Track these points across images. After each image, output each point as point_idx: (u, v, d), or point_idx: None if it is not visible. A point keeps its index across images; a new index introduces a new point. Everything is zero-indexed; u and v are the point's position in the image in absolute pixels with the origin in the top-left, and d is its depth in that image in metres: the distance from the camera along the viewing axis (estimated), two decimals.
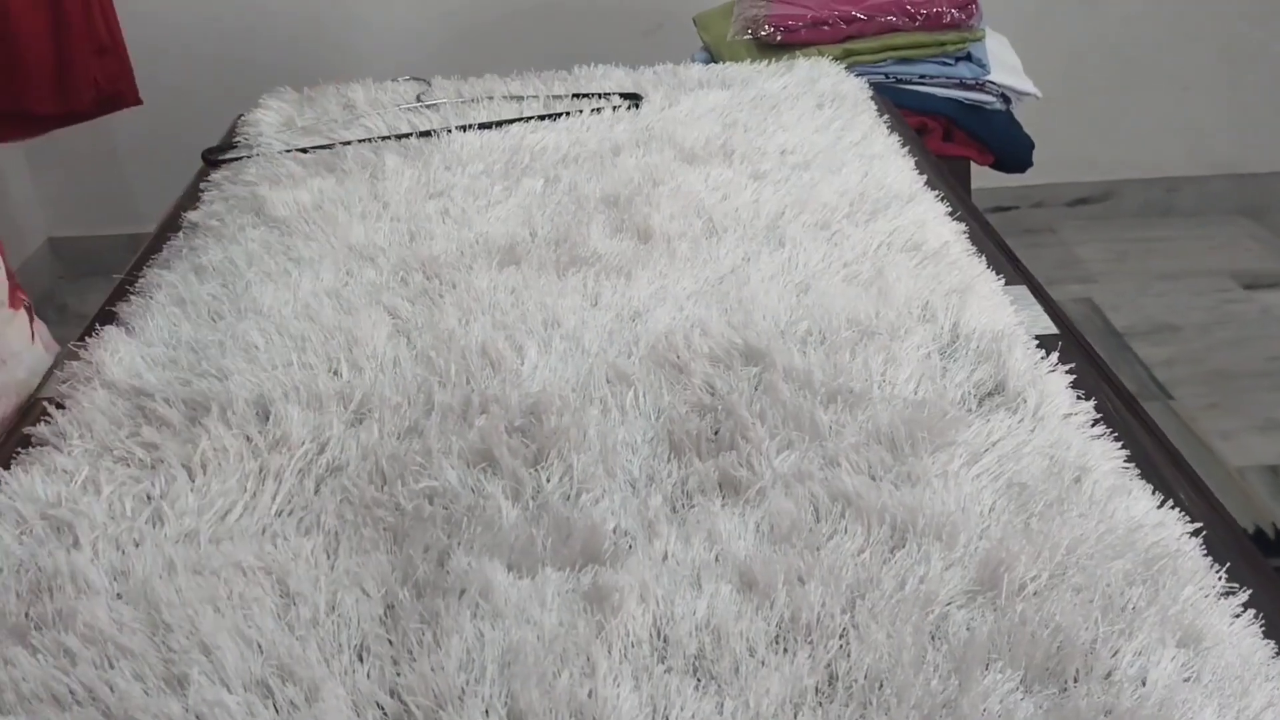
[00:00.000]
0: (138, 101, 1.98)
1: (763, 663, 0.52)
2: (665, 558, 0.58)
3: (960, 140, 1.64)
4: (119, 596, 0.57)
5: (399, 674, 0.51)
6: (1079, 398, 0.69)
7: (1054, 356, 0.72)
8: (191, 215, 1.01)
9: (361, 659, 0.52)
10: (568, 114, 1.17)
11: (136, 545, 0.60)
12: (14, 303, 0.83)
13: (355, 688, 0.51)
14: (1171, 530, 0.58)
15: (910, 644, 0.51)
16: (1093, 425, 0.67)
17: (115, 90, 1.90)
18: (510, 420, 0.69)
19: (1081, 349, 0.76)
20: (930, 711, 0.48)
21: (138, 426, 0.70)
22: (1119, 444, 0.65)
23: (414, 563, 0.58)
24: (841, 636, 0.52)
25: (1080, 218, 2.90)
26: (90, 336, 0.82)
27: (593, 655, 0.52)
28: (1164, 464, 0.66)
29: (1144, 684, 0.50)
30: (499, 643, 0.53)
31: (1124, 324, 2.49)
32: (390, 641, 0.53)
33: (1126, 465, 0.64)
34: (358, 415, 0.71)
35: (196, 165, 1.16)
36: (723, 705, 0.49)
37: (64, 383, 0.76)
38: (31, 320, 0.85)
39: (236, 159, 1.12)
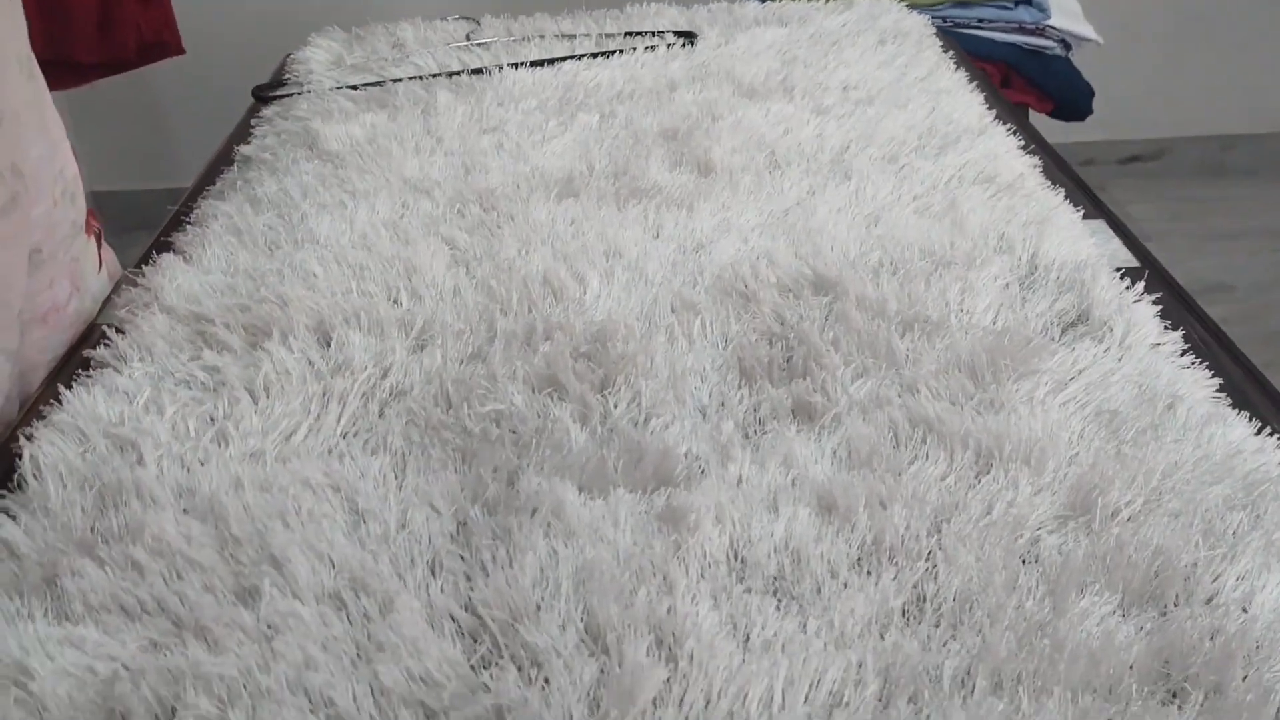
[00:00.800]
0: (180, 50, 1.96)
1: (845, 584, 0.50)
2: (740, 481, 0.56)
3: (1018, 87, 1.60)
4: (185, 512, 0.56)
5: (473, 588, 0.50)
6: (1166, 328, 0.67)
7: (1139, 286, 0.69)
8: (244, 149, 0.99)
9: (434, 574, 0.51)
10: (621, 52, 1.14)
11: (202, 463, 0.59)
12: (88, 229, 0.82)
13: (429, 601, 0.49)
14: (1271, 457, 0.55)
15: (1001, 566, 0.50)
16: (1181, 355, 0.64)
17: (158, 38, 1.89)
18: (575, 346, 0.67)
19: (1165, 281, 0.73)
20: (1025, 633, 0.46)
21: (198, 350, 0.69)
22: (1210, 373, 0.63)
23: (484, 482, 0.56)
24: (928, 559, 0.51)
25: (1132, 175, 2.84)
26: (147, 264, 0.81)
27: (670, 574, 0.50)
28: (1257, 394, 0.63)
29: (1248, 608, 0.48)
30: (573, 560, 0.51)
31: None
32: (463, 558, 0.52)
33: (1219, 394, 0.61)
34: (419, 342, 0.70)
35: (238, 104, 1.14)
36: (805, 624, 0.48)
37: (122, 309, 0.76)
38: (100, 248, 0.84)
39: (287, 95, 1.11)
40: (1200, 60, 2.67)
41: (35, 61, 0.75)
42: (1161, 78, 2.69)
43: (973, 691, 0.44)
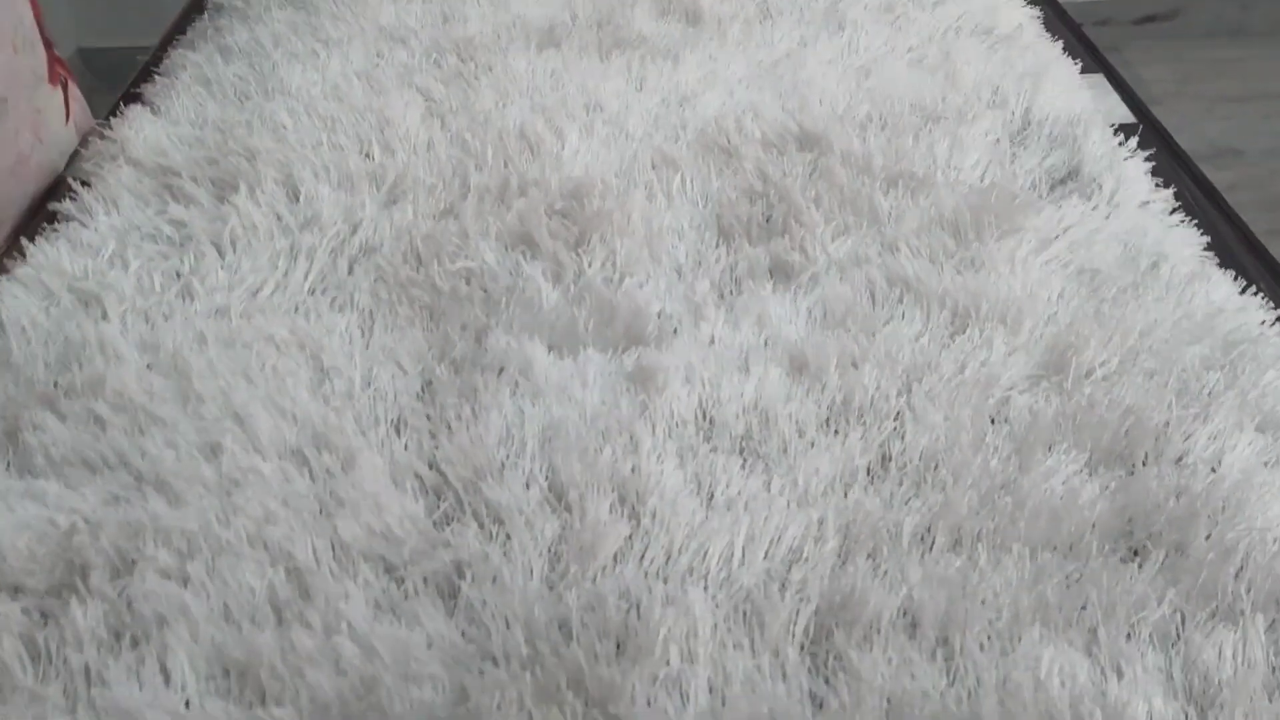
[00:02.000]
0: None
1: (812, 444, 0.50)
2: (712, 341, 0.56)
3: None
4: (149, 367, 0.55)
5: (437, 446, 0.50)
6: (1157, 185, 0.65)
7: (1132, 142, 0.67)
8: None
9: (399, 432, 0.51)
10: None
11: (166, 319, 0.58)
12: (53, 78, 0.79)
13: (393, 458, 0.49)
14: (1253, 316, 0.54)
15: (969, 426, 0.49)
16: (1171, 213, 0.63)
17: None
18: (550, 203, 0.65)
19: (1161, 138, 0.71)
20: (988, 491, 0.46)
21: (165, 204, 0.67)
22: (1199, 231, 0.61)
23: (451, 340, 0.56)
24: (896, 419, 0.50)
25: (1146, 36, 2.74)
26: (115, 116, 0.78)
27: (636, 433, 0.50)
28: (1245, 254, 0.61)
29: (1216, 468, 0.47)
30: (539, 419, 0.51)
31: (1187, 148, 2.39)
32: (428, 416, 0.52)
33: (1206, 253, 0.60)
34: (391, 197, 0.68)
35: None
36: (770, 483, 0.48)
37: (89, 161, 0.73)
38: (68, 99, 0.81)
39: None
40: None
41: None
42: None
43: (931, 548, 0.44)
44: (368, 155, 0.71)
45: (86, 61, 2.61)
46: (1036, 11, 0.85)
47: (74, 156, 0.79)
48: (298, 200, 0.67)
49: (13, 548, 0.45)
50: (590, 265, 0.61)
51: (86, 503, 0.47)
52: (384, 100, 0.76)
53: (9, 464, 0.50)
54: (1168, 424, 0.48)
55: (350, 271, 0.62)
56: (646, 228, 0.63)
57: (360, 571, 0.44)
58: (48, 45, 0.79)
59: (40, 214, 0.71)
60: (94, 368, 0.54)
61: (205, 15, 0.94)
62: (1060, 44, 0.80)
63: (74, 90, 0.83)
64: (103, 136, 0.76)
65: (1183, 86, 2.59)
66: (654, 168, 0.69)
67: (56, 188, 0.73)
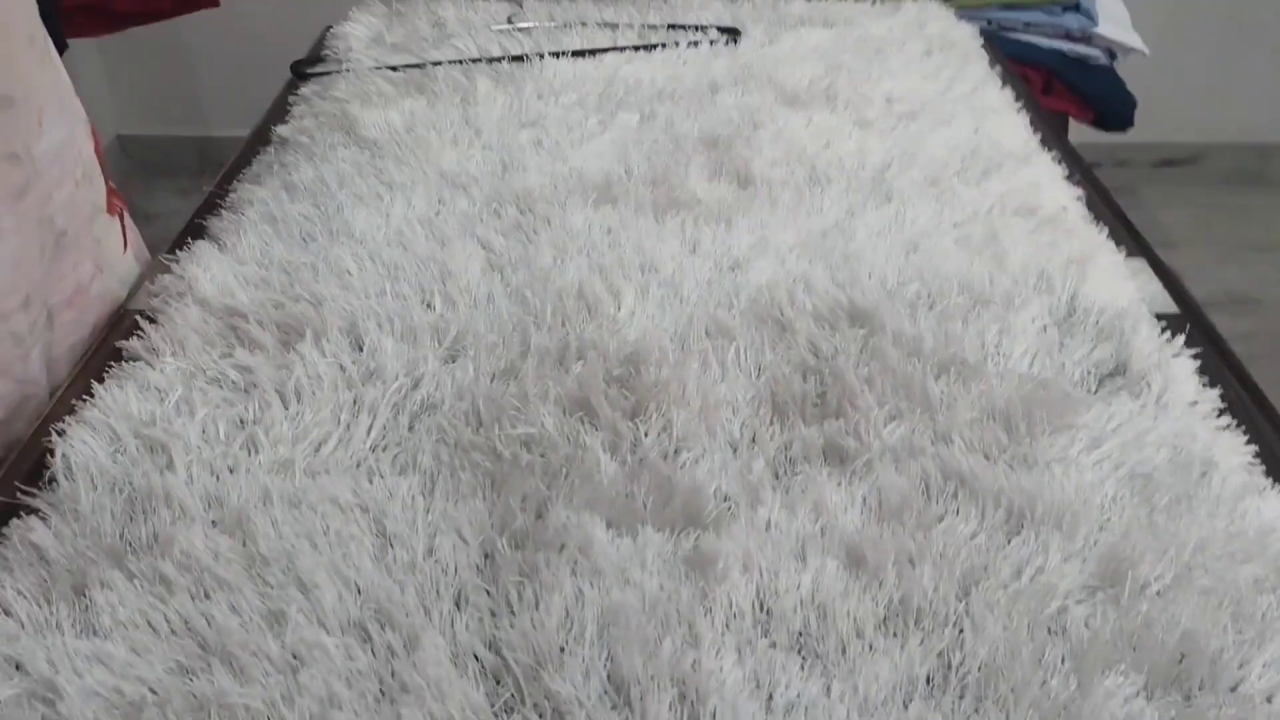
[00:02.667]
0: (215, 3, 1.95)
1: (871, 646, 0.50)
2: (769, 526, 0.56)
3: (1060, 93, 1.58)
4: (214, 524, 0.56)
5: (498, 627, 0.50)
6: (1204, 385, 0.66)
7: (1179, 340, 0.69)
8: (281, 130, 0.99)
9: (460, 608, 0.51)
10: (663, 45, 1.13)
11: (231, 471, 0.59)
12: (111, 209, 0.81)
13: (454, 638, 0.50)
14: None
15: (1028, 638, 0.50)
16: (1219, 416, 0.64)
17: None
18: (609, 369, 0.67)
19: (1205, 333, 0.72)
20: (1049, 712, 0.46)
21: (231, 348, 0.69)
22: (1246, 438, 0.62)
23: (512, 512, 0.56)
24: (955, 625, 0.51)
25: (1165, 180, 2.80)
26: (181, 250, 0.80)
27: (695, 624, 0.50)
28: None
29: (1272, 699, 0.47)
30: (599, 602, 0.51)
31: (1202, 294, 2.41)
32: (488, 593, 0.52)
33: (1254, 461, 0.61)
34: (451, 352, 0.69)
35: (268, 71, 1.13)
36: (830, 687, 0.48)
37: (155, 296, 0.75)
38: (124, 228, 0.84)
39: (325, 73, 1.10)
40: (1242, 65, 2.63)
41: (51, 43, 0.74)
42: (1201, 81, 2.65)
43: None
44: (429, 306, 0.73)
45: (125, 148, 2.67)
46: (1079, 191, 0.88)
47: (138, 288, 0.81)
48: (361, 350, 0.69)
49: (82, 717, 0.45)
50: (647, 435, 0.62)
51: (153, 671, 0.48)
52: (446, 251, 0.78)
53: (75, 621, 0.51)
54: (1223, 650, 0.49)
55: (411, 428, 0.63)
56: (702, 400, 0.65)
57: None
58: (106, 177, 0.82)
59: (105, 348, 0.72)
60: (160, 522, 0.55)
61: (271, 149, 0.97)
62: (1105, 229, 0.82)
63: (129, 220, 0.85)
64: (168, 270, 0.78)
65: (1201, 232, 2.64)
66: (708, 335, 0.71)
67: (122, 321, 0.75)
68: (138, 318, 0.72)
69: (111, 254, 0.81)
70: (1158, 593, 0.52)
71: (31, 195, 0.70)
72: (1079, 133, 1.99)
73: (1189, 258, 2.53)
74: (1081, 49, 1.56)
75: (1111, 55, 1.60)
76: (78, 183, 0.76)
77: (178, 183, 2.80)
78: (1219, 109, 2.70)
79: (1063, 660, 0.49)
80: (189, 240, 0.81)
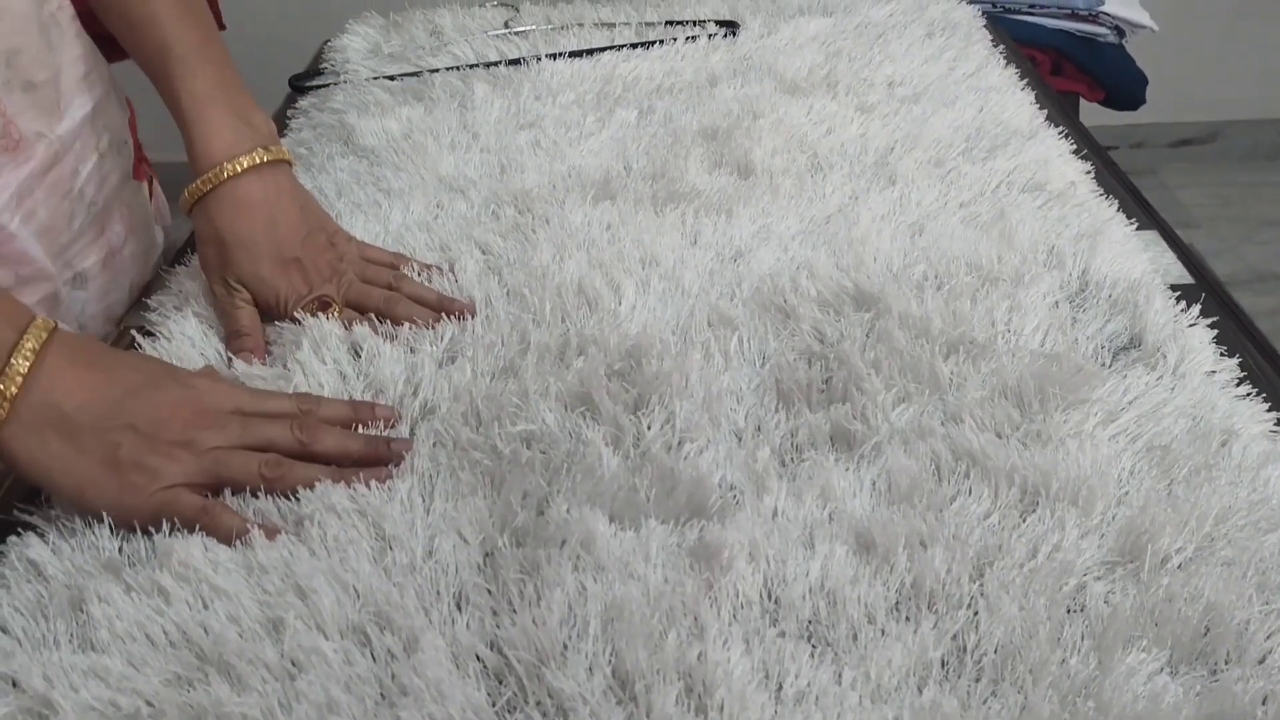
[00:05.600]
0: (221, 26, 1.96)
1: (883, 631, 0.48)
2: (775, 515, 0.55)
3: (1070, 74, 1.56)
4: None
5: (499, 626, 0.49)
6: (1222, 355, 0.64)
7: (1195, 309, 0.67)
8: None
9: (460, 608, 0.50)
10: (661, 42, 1.12)
11: None
12: (139, 174, 0.84)
13: (455, 639, 0.48)
14: None
15: (1045, 617, 0.48)
16: (1238, 385, 0.62)
17: None
18: (609, 363, 0.66)
19: (1221, 302, 0.70)
20: (1068, 693, 0.45)
21: (228, 362, 0.68)
22: (1267, 406, 0.60)
23: (513, 509, 0.55)
24: (969, 607, 0.49)
25: (1183, 159, 2.77)
26: (181, 265, 0.80)
27: (701, 615, 0.49)
28: None
29: None
30: (602, 597, 0.50)
31: (1225, 272, 2.38)
32: (489, 591, 0.51)
33: (1276, 429, 0.59)
34: (449, 354, 0.68)
35: (268, 88, 1.13)
36: (840, 675, 0.46)
37: (154, 311, 0.75)
38: (152, 195, 0.88)
39: (323, 85, 1.09)
40: (1256, 42, 2.59)
41: (76, 22, 0.76)
42: (1216, 59, 2.62)
43: None
44: None
45: None
46: (1088, 166, 0.86)
47: (136, 304, 0.81)
48: (359, 357, 0.68)
49: None
50: (650, 429, 0.61)
51: (150, 684, 0.47)
52: (444, 255, 0.78)
53: (73, 636, 0.50)
54: (1249, 621, 0.47)
55: (411, 434, 0.62)
56: (705, 390, 0.63)
57: None
58: (136, 144, 0.85)
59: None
60: (159, 535, 0.54)
61: None
62: (1115, 202, 0.80)
63: (157, 186, 0.88)
64: (166, 286, 0.77)
65: (1222, 210, 2.60)
66: (710, 326, 0.69)
67: (120, 339, 0.75)
68: (134, 334, 0.71)
69: (141, 218, 0.85)
70: (1179, 566, 0.50)
71: (58, 169, 0.73)
72: (1093, 115, 1.97)
73: (1211, 236, 2.49)
74: (1089, 28, 1.54)
75: (1120, 33, 1.57)
76: (103, 154, 0.79)
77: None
78: (1234, 85, 2.66)
79: (1082, 639, 0.47)
80: (189, 254, 0.80)
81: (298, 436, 0.59)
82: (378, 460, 0.59)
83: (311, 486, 0.57)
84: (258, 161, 0.71)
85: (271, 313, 0.71)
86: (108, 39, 0.88)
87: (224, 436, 0.57)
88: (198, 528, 0.54)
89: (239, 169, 0.70)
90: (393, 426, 0.62)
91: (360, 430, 0.61)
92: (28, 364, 0.53)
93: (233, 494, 0.57)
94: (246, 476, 0.57)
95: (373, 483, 0.58)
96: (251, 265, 0.70)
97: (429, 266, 0.76)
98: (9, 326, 0.54)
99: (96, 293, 0.79)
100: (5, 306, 0.55)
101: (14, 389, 0.53)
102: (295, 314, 0.70)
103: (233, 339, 0.69)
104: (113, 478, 0.54)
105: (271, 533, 0.54)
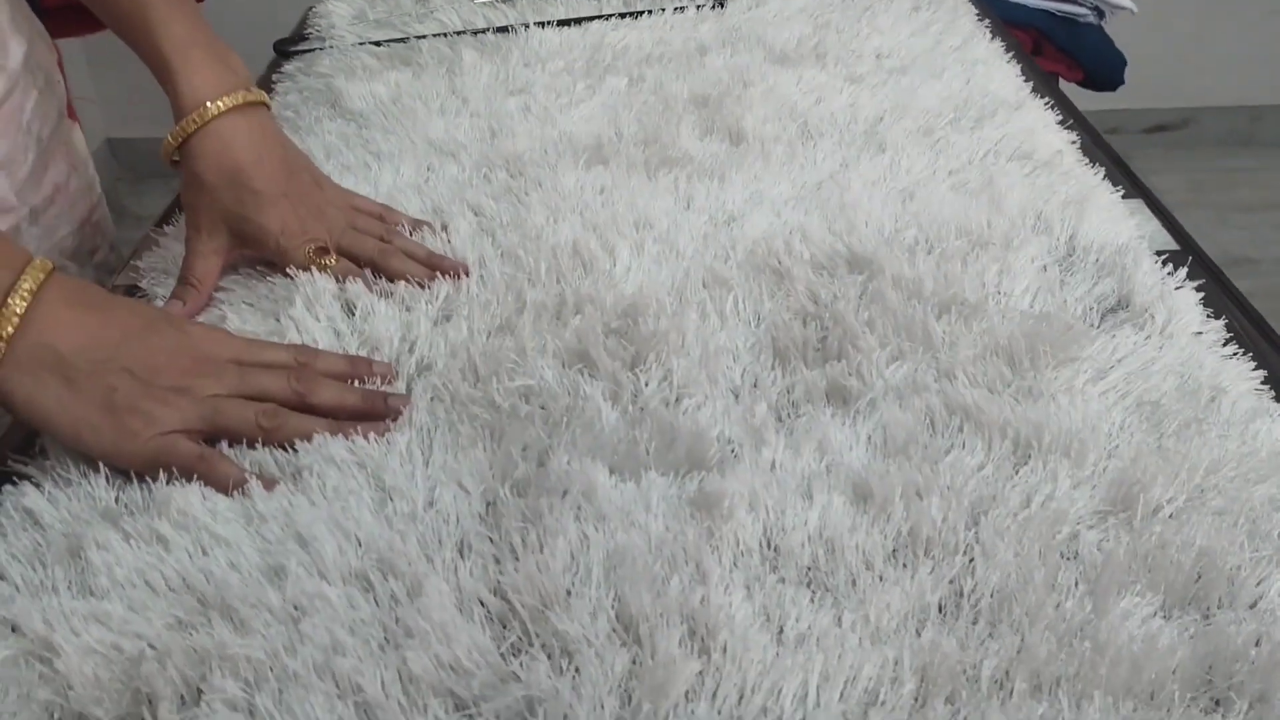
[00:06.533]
0: None
1: (881, 577, 0.49)
2: (774, 466, 0.55)
3: (1049, 54, 1.57)
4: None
5: (502, 572, 0.49)
6: (1208, 316, 0.65)
7: (1181, 272, 0.68)
8: None
9: (463, 555, 0.51)
10: (649, 12, 1.12)
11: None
12: (72, 114, 0.87)
13: (458, 584, 0.49)
14: None
15: (1040, 563, 0.49)
16: (1224, 345, 0.63)
17: None
18: (606, 322, 0.66)
19: (1206, 267, 0.72)
20: (1065, 634, 0.46)
21: (222, 316, 0.68)
22: (1254, 365, 0.61)
23: (513, 461, 0.56)
24: (965, 553, 0.50)
25: (1157, 145, 2.80)
26: (169, 224, 0.80)
27: (703, 562, 0.49)
28: None
29: None
30: (604, 545, 0.50)
31: None
32: (492, 539, 0.51)
33: (1262, 387, 0.60)
34: (444, 312, 0.68)
35: (253, 58, 1.12)
36: (840, 618, 0.47)
37: (144, 275, 0.75)
38: (83, 129, 0.91)
39: (309, 50, 1.09)
40: (1229, 29, 2.62)
41: None
42: (1190, 46, 2.65)
43: (1011, 694, 0.44)
44: None
45: (114, 152, 2.66)
46: (1074, 136, 0.87)
47: (126, 266, 0.80)
48: (354, 315, 0.68)
49: (80, 673, 0.45)
50: (648, 385, 0.61)
51: (152, 627, 0.47)
52: (436, 216, 0.77)
53: (72, 583, 0.50)
54: (1240, 567, 0.48)
55: (408, 390, 0.62)
56: (702, 348, 0.64)
57: (430, 706, 0.43)
58: (65, 86, 0.87)
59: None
60: (156, 484, 0.54)
61: None
62: (1101, 170, 0.81)
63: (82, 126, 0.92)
64: (155, 247, 0.77)
65: (1195, 196, 2.63)
66: (705, 287, 0.70)
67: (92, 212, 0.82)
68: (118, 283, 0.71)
69: (80, 154, 0.86)
70: (1170, 515, 0.51)
71: (10, 103, 0.75)
72: (1068, 95, 1.98)
73: (1184, 222, 2.52)
74: (1069, 8, 1.55)
75: (1100, 14, 1.59)
76: (40, 91, 0.80)
77: (169, 183, 2.79)
78: (1209, 72, 2.69)
79: (1076, 584, 0.48)
80: (177, 212, 0.80)
81: (295, 388, 0.58)
82: (375, 415, 0.59)
83: (309, 438, 0.57)
84: (240, 101, 0.70)
85: (263, 251, 0.70)
86: (54, 14, 0.91)
87: (221, 385, 0.57)
88: (195, 476, 0.54)
89: (222, 108, 0.69)
90: (389, 383, 0.62)
91: (357, 385, 0.61)
92: (24, 304, 0.53)
93: (229, 445, 0.57)
94: (243, 425, 0.56)
95: (371, 435, 0.58)
96: (237, 203, 0.69)
97: (421, 224, 0.76)
98: (5, 268, 0.54)
99: (45, 229, 0.81)
100: (1, 247, 0.55)
101: (10, 329, 0.53)
102: (292, 255, 0.69)
103: (178, 285, 0.69)
104: (109, 421, 0.54)
105: (270, 484, 0.54)
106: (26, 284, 0.54)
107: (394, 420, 0.59)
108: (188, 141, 0.70)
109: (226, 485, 0.54)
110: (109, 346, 0.55)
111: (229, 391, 0.57)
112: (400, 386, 0.63)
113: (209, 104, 0.69)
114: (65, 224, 0.83)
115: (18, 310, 0.53)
